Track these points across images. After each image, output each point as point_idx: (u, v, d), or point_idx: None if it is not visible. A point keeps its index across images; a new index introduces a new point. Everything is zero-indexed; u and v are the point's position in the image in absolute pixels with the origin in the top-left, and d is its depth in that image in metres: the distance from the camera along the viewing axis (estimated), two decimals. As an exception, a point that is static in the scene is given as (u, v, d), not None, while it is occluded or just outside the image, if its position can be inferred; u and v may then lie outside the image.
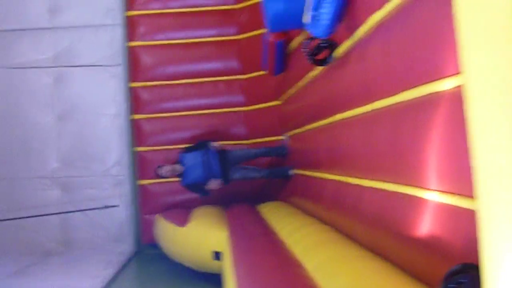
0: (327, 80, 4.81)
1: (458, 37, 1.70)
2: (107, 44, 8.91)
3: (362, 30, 3.79)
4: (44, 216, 8.48)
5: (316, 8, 3.91)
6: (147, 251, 8.56)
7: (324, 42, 4.46)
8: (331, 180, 4.92)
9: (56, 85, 8.89)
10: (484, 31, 1.56)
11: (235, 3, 8.64)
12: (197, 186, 7.55)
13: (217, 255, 5.87)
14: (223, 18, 8.64)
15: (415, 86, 2.86)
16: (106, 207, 8.45)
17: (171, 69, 8.58)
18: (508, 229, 1.51)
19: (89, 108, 8.90)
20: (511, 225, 1.50)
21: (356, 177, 4.11)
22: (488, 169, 1.59)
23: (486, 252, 1.60)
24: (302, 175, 6.53)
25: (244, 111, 8.63)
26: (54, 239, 8.73)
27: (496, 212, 1.56)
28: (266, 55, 7.16)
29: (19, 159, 8.78)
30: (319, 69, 5.09)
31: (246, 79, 8.60)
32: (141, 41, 8.60)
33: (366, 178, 3.86)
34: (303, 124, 6.37)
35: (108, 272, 7.11)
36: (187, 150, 7.66)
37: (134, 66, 8.63)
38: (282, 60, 7.01)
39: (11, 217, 8.31)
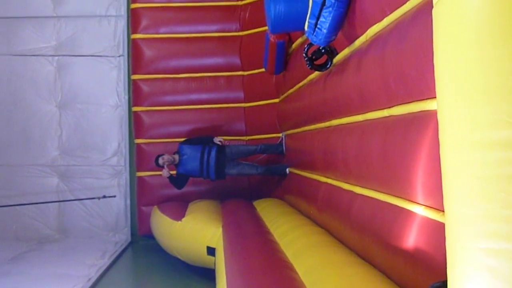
0: (325, 85, 4.88)
1: (435, 65, 1.81)
2: (110, 35, 8.99)
3: (360, 40, 3.87)
4: (42, 204, 8.58)
5: (316, 16, 3.96)
6: (142, 242, 8.66)
7: (324, 47, 4.52)
8: (325, 183, 5.01)
9: (58, 73, 8.98)
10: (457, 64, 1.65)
11: (238, 0, 8.69)
12: (182, 179, 7.62)
13: (211, 251, 5.95)
14: (226, 14, 8.69)
15: (406, 102, 2.95)
16: (104, 197, 8.53)
17: (172, 63, 8.63)
18: (471, 244, 1.58)
19: (90, 98, 8.98)
20: (475, 240, 1.58)
21: (349, 183, 4.20)
22: (453, 185, 1.69)
23: (451, 265, 1.70)
24: (298, 174, 6.61)
25: (243, 107, 8.71)
26: (51, 227, 8.85)
27: (460, 226, 1.64)
28: (267, 54, 7.21)
29: (20, 146, 8.88)
30: (317, 73, 5.16)
31: (247, 75, 8.67)
32: (144, 33, 8.63)
33: (358, 185, 3.95)
34: (300, 125, 6.44)
35: (103, 262, 7.23)
36: (187, 142, 7.72)
37: (136, 59, 8.67)
38: (282, 60, 7.06)
39: (10, 203, 8.40)
